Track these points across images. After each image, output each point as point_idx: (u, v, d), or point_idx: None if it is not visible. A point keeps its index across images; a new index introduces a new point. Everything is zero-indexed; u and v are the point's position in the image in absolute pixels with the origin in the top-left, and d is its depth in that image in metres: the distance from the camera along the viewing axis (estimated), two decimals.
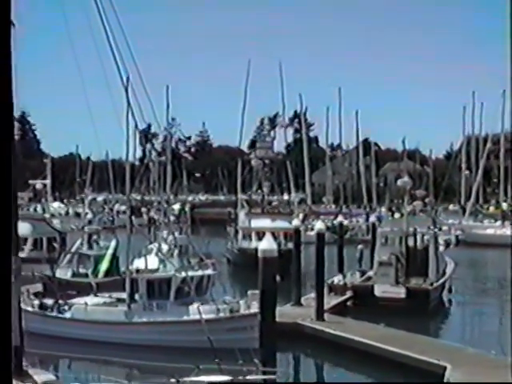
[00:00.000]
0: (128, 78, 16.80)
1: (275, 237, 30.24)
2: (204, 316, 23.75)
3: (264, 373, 16.47)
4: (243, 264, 50.36)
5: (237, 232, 62.51)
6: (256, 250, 23.86)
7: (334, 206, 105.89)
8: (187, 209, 65.84)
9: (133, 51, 15.79)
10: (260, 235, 50.40)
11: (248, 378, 15.62)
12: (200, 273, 31.21)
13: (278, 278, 23.04)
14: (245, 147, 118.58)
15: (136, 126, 17.50)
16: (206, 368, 15.99)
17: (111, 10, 15.24)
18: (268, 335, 22.30)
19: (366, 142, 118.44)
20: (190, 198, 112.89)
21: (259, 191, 70.25)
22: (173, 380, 15.40)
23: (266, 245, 22.98)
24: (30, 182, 66.03)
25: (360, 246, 49.14)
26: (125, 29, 15.52)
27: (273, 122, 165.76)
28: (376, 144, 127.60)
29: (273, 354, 21.95)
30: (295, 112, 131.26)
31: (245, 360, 16.63)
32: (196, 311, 26.90)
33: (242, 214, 65.78)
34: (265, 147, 76.16)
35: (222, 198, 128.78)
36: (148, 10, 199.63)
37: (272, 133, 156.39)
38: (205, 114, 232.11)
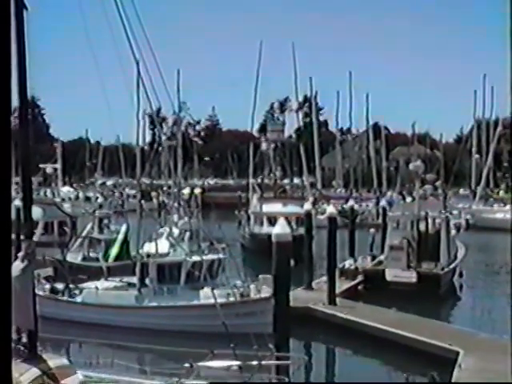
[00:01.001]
0: (140, 57, 16.73)
1: (288, 221, 30.05)
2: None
3: (278, 358, 16.44)
4: (255, 249, 50.26)
5: (249, 217, 62.26)
6: (268, 235, 23.79)
7: (343, 191, 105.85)
8: (197, 193, 65.61)
9: (146, 31, 15.74)
10: (272, 220, 50.30)
11: (262, 363, 15.57)
12: (210, 257, 31.14)
13: (292, 262, 22.98)
14: (254, 131, 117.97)
15: (149, 101, 17.35)
16: (219, 353, 15.95)
17: None
18: (282, 320, 22.25)
19: (375, 125, 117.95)
20: (200, 183, 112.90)
21: (271, 175, 69.94)
22: (187, 365, 15.38)
23: (280, 229, 22.91)
24: (41, 165, 65.91)
25: (372, 230, 48.99)
26: (137, 9, 15.44)
27: (283, 106, 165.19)
28: (386, 128, 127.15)
29: (286, 338, 21.91)
30: (305, 96, 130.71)
31: (259, 345, 16.58)
32: (206, 295, 26.90)
33: (254, 199, 65.44)
34: (276, 130, 75.63)
35: (231, 182, 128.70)
36: None
37: (281, 117, 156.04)
38: (214, 98, 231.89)
